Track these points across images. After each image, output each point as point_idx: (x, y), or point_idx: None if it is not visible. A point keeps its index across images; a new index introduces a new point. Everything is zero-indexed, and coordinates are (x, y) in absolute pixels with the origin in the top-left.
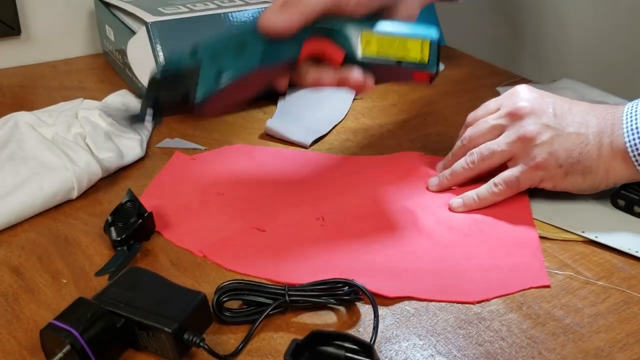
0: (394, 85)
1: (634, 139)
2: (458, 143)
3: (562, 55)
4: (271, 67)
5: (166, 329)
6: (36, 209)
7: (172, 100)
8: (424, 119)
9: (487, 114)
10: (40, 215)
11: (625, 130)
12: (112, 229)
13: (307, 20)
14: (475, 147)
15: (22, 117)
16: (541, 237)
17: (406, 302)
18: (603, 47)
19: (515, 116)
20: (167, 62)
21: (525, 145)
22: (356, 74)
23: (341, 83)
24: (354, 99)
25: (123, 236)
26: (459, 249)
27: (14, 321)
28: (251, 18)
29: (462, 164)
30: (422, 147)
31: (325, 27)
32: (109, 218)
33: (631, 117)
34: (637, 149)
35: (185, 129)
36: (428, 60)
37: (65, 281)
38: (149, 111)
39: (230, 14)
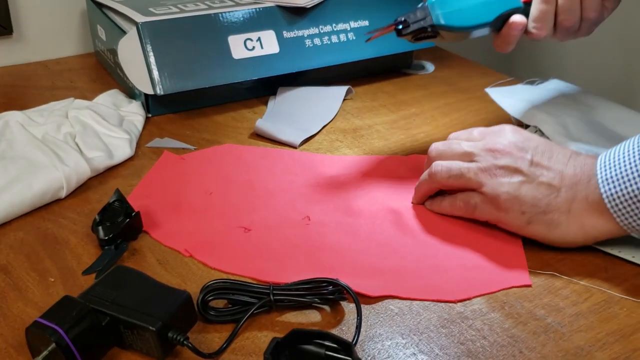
0: (383, 87)
1: (609, 188)
2: (427, 161)
3: (553, 56)
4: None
5: (150, 327)
6: (25, 208)
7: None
8: (412, 119)
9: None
10: (29, 215)
11: (600, 180)
12: (100, 228)
13: None
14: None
15: (13, 117)
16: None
17: (390, 301)
18: (595, 48)
19: (490, 153)
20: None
21: (492, 181)
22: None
23: None
24: (344, 99)
25: (110, 235)
26: (442, 249)
27: (1, 319)
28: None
29: (425, 176)
30: (410, 147)
31: None
32: (97, 217)
33: (605, 167)
34: (613, 198)
35: (175, 129)
36: None
37: (52, 280)
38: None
39: (220, 15)
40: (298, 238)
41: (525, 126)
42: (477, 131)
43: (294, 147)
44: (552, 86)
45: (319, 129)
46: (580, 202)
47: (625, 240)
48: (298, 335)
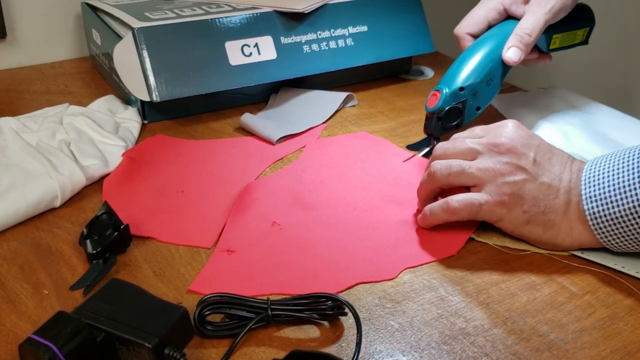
0: (382, 93)
1: (592, 207)
2: (430, 159)
3: (553, 63)
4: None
5: (146, 344)
6: (19, 217)
7: (447, 128)
8: (412, 127)
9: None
10: (22, 224)
11: (584, 197)
12: (87, 241)
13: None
14: None
15: (6, 123)
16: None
17: (390, 317)
18: (594, 49)
19: (494, 148)
20: (444, 102)
21: (495, 178)
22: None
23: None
24: (345, 107)
25: (98, 249)
26: (406, 220)
27: None
28: (493, 53)
29: (424, 177)
30: (409, 154)
31: None
32: (84, 230)
33: (589, 183)
34: (595, 218)
35: (171, 135)
36: (586, 40)
37: (46, 292)
38: (430, 139)
39: (217, 20)
40: (283, 246)
41: None
42: (479, 128)
43: (272, 143)
44: (553, 94)
45: (303, 130)
46: (574, 207)
47: (630, 255)
48: (298, 357)
